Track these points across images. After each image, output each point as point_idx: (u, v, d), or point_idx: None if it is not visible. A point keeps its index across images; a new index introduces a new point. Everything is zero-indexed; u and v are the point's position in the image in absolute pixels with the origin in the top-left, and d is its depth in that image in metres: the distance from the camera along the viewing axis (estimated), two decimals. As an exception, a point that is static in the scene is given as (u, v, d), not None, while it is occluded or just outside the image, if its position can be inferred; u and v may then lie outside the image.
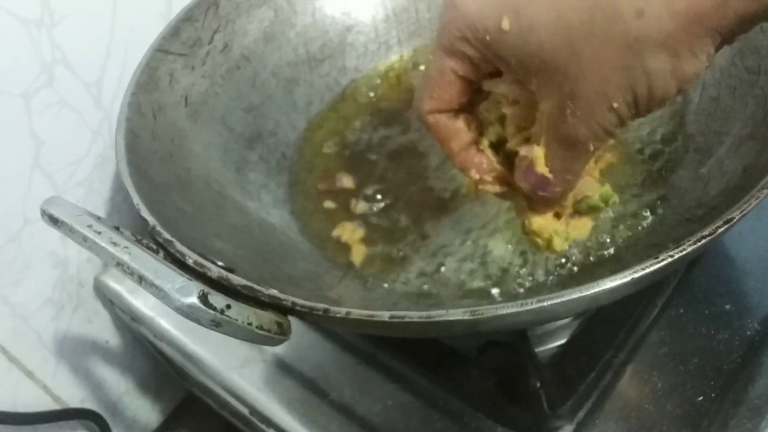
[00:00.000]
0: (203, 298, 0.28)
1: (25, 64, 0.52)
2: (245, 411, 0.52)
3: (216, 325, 0.28)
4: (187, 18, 0.52)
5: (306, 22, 0.59)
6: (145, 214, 0.38)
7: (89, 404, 0.67)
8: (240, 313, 0.29)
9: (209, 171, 0.49)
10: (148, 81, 0.48)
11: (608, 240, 0.43)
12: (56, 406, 0.64)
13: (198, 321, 0.28)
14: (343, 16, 0.60)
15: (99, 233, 0.30)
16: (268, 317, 0.30)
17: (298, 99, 0.57)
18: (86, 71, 0.56)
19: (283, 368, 0.52)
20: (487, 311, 0.30)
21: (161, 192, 0.43)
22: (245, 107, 0.54)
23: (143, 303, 0.59)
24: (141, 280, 0.28)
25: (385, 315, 0.31)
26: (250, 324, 0.29)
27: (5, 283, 0.56)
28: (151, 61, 0.49)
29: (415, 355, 0.49)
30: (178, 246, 0.35)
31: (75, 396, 0.66)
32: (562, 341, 0.47)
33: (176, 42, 0.51)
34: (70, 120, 0.56)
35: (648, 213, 0.43)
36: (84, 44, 0.55)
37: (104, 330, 0.67)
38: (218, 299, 0.28)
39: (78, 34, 0.54)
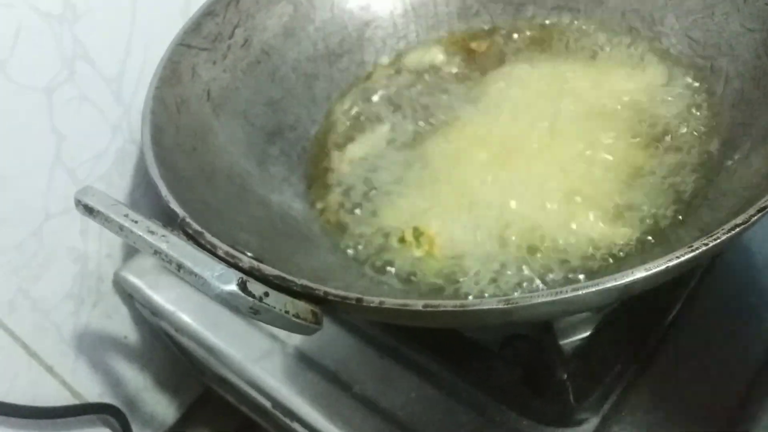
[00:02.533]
0: (242, 285, 0.28)
1: (46, 59, 0.52)
2: (267, 404, 0.52)
3: (254, 312, 0.28)
4: (208, 12, 0.52)
5: (325, 17, 0.59)
6: (174, 206, 0.38)
7: (107, 399, 0.67)
8: (278, 300, 0.29)
9: (232, 164, 0.49)
10: (172, 75, 0.48)
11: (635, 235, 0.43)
12: (75, 401, 0.64)
13: (237, 308, 0.28)
14: (361, 11, 0.60)
15: (135, 222, 0.30)
16: (303, 306, 0.30)
17: (318, 93, 0.57)
18: (107, 66, 0.56)
19: (305, 361, 0.52)
20: (522, 300, 0.30)
21: (186, 185, 0.43)
22: (265, 102, 0.55)
23: (164, 297, 0.59)
24: (179, 268, 0.28)
25: (419, 304, 0.31)
26: (287, 312, 0.29)
27: (26, 278, 0.57)
28: (173, 55, 0.49)
29: (438, 348, 0.49)
30: (209, 237, 0.35)
31: (94, 391, 0.66)
32: (587, 334, 0.47)
33: (198, 36, 0.51)
34: (91, 115, 0.57)
35: (677, 206, 0.43)
36: (104, 40, 0.55)
37: (123, 325, 0.67)
38: (257, 287, 0.29)
39: (99, 30, 0.54)
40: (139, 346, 0.69)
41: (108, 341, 0.66)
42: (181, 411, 0.76)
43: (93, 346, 0.65)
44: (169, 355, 0.71)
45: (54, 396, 0.62)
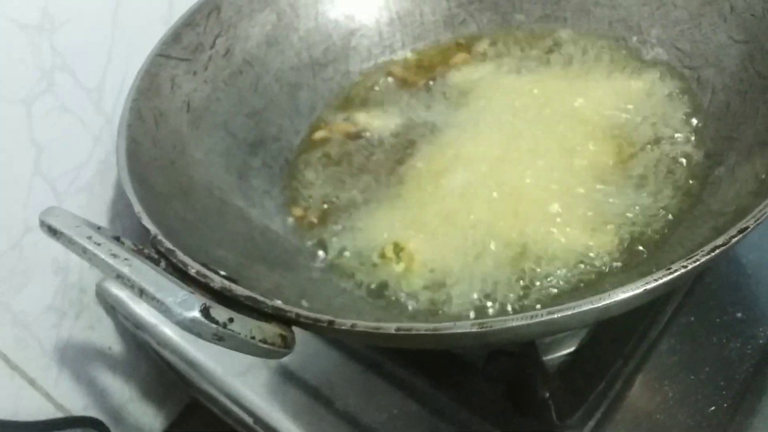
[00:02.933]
0: (205, 311, 0.27)
1: (25, 70, 0.51)
2: (249, 420, 0.51)
3: (218, 339, 0.28)
4: (188, 23, 0.52)
5: (309, 26, 0.58)
6: (147, 223, 0.37)
7: (92, 412, 0.66)
8: (243, 326, 0.28)
9: (211, 178, 0.48)
10: (150, 87, 0.48)
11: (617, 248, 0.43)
12: (59, 414, 0.63)
13: (200, 335, 0.27)
14: (346, 20, 0.59)
15: (98, 245, 0.29)
16: (271, 330, 0.30)
17: (302, 104, 0.57)
18: (87, 77, 0.55)
19: (288, 376, 0.51)
20: (496, 323, 0.30)
21: (163, 200, 0.42)
22: (248, 112, 0.54)
23: (146, 310, 0.58)
24: (141, 293, 0.28)
25: (391, 327, 0.30)
26: (253, 338, 0.29)
27: (7, 290, 0.56)
28: (152, 66, 0.49)
29: (421, 364, 0.48)
30: (180, 256, 0.34)
31: (77, 404, 0.65)
32: (571, 349, 0.46)
33: (178, 47, 0.51)
34: (71, 126, 0.56)
35: (660, 220, 0.43)
36: (84, 50, 0.54)
37: (107, 337, 0.66)
38: (220, 312, 0.28)
39: (78, 40, 0.54)
40: (124, 358, 0.68)
41: (91, 353, 0.65)
42: (167, 423, 0.75)
43: (76, 359, 0.64)
44: (154, 366, 0.70)
45: (37, 409, 0.61)
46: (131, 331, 0.64)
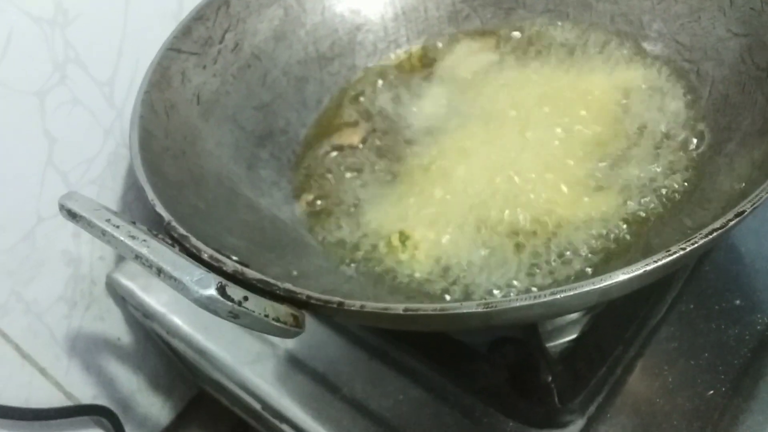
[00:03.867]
0: (221, 289, 0.28)
1: (38, 63, 0.52)
2: (257, 406, 0.52)
3: (234, 316, 0.29)
4: (198, 17, 0.53)
5: (316, 20, 0.59)
6: (161, 209, 0.38)
7: (101, 401, 0.67)
8: (257, 305, 0.29)
9: (221, 168, 0.49)
10: (161, 79, 0.49)
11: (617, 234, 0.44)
12: (68, 403, 0.64)
13: (216, 312, 0.28)
14: (352, 15, 0.60)
15: (117, 227, 0.30)
16: (284, 310, 0.31)
17: (308, 97, 0.58)
18: (99, 70, 0.56)
19: (295, 363, 0.52)
20: (501, 304, 0.31)
21: (175, 189, 0.43)
22: (256, 105, 0.55)
23: (155, 300, 0.59)
24: (159, 272, 0.29)
25: (399, 308, 0.31)
26: (266, 316, 0.30)
27: (19, 281, 0.57)
28: (163, 59, 0.50)
29: (426, 351, 0.49)
30: (194, 241, 0.35)
31: (87, 393, 0.66)
32: (573, 336, 0.47)
33: (188, 41, 0.52)
34: (83, 118, 0.57)
35: (658, 206, 0.44)
36: (96, 43, 0.56)
37: (116, 327, 0.67)
38: (236, 291, 0.29)
39: (91, 34, 0.55)
40: (133, 348, 0.69)
41: (101, 343, 0.66)
42: (174, 412, 0.76)
43: (86, 348, 0.65)
44: (163, 356, 0.71)
45: (47, 398, 0.62)
46: (140, 322, 0.65)
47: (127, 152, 0.61)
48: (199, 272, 0.28)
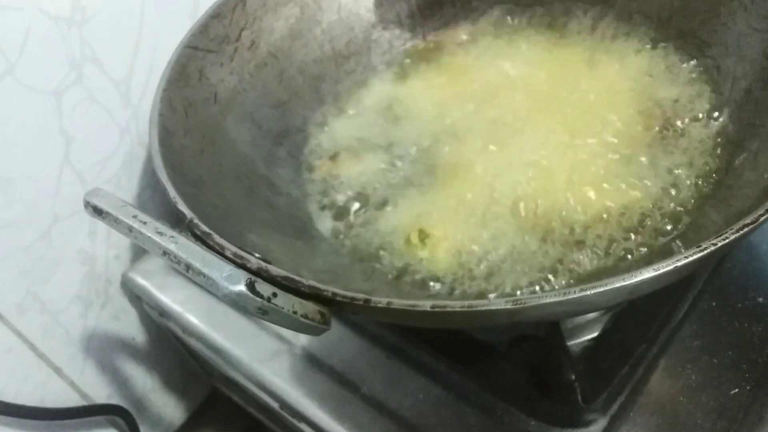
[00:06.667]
0: (251, 285, 0.28)
1: (55, 62, 0.52)
2: (275, 405, 0.52)
3: (263, 313, 0.28)
4: (215, 15, 0.53)
5: (331, 19, 0.59)
6: (183, 207, 0.38)
7: (116, 400, 0.67)
8: (286, 301, 0.29)
9: (239, 166, 0.49)
10: (179, 77, 0.49)
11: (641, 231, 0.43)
12: (83, 402, 0.64)
13: (245, 309, 0.28)
14: (368, 13, 0.60)
15: (144, 223, 0.30)
16: (311, 307, 0.30)
17: (325, 95, 0.58)
18: (115, 69, 0.56)
19: (313, 362, 0.52)
20: (529, 300, 0.30)
21: (194, 187, 0.43)
22: (273, 104, 0.55)
23: (171, 298, 0.59)
24: (188, 268, 0.29)
25: (426, 304, 0.31)
26: (295, 312, 0.29)
27: (35, 280, 0.57)
28: (180, 57, 0.50)
29: (446, 350, 0.49)
30: (217, 238, 0.35)
31: (102, 392, 0.66)
32: (594, 334, 0.47)
33: (205, 39, 0.52)
34: (99, 117, 0.57)
35: (684, 202, 0.43)
36: (113, 42, 0.56)
37: (131, 327, 0.67)
38: (265, 287, 0.29)
39: (107, 32, 0.55)
40: (147, 348, 0.69)
41: (116, 343, 0.66)
42: (189, 412, 0.76)
43: (101, 348, 0.65)
44: (177, 356, 0.71)
45: (62, 397, 0.62)
46: (155, 321, 0.65)
47: (142, 151, 0.61)
48: (228, 268, 0.28)
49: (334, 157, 0.53)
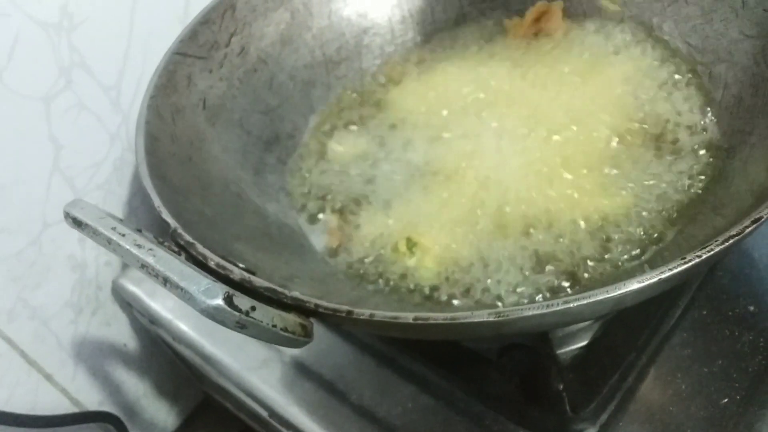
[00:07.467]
0: (228, 299, 0.28)
1: (44, 68, 0.52)
2: (264, 413, 0.52)
3: (241, 327, 0.28)
4: (204, 21, 0.52)
5: (322, 24, 0.59)
6: (167, 216, 0.37)
7: (107, 407, 0.67)
8: (265, 315, 0.29)
9: (228, 174, 0.49)
10: (167, 84, 0.48)
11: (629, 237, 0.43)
12: (75, 409, 0.64)
13: (223, 323, 0.28)
14: (359, 18, 0.60)
15: (123, 235, 0.30)
16: (292, 319, 0.30)
17: (315, 101, 0.57)
18: (105, 75, 0.56)
19: (302, 370, 0.52)
20: (512, 313, 0.30)
21: (181, 195, 0.43)
22: (262, 110, 0.54)
23: (161, 305, 0.59)
24: (166, 282, 0.28)
25: (409, 317, 0.31)
26: (274, 326, 0.29)
27: (25, 286, 0.57)
28: (169, 64, 0.49)
29: (435, 358, 0.48)
30: (200, 248, 0.35)
31: (93, 399, 0.66)
32: (584, 343, 0.46)
33: (194, 45, 0.51)
34: (89, 123, 0.57)
35: (671, 211, 0.43)
36: (102, 48, 0.55)
37: (122, 333, 0.67)
38: (243, 301, 0.28)
39: (96, 38, 0.54)
40: (139, 354, 0.69)
41: (107, 349, 0.66)
42: (180, 418, 0.76)
43: (92, 354, 0.65)
44: (169, 362, 0.71)
45: (54, 404, 0.62)
46: (146, 327, 0.65)
47: (133, 157, 0.61)
48: (206, 282, 0.28)
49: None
